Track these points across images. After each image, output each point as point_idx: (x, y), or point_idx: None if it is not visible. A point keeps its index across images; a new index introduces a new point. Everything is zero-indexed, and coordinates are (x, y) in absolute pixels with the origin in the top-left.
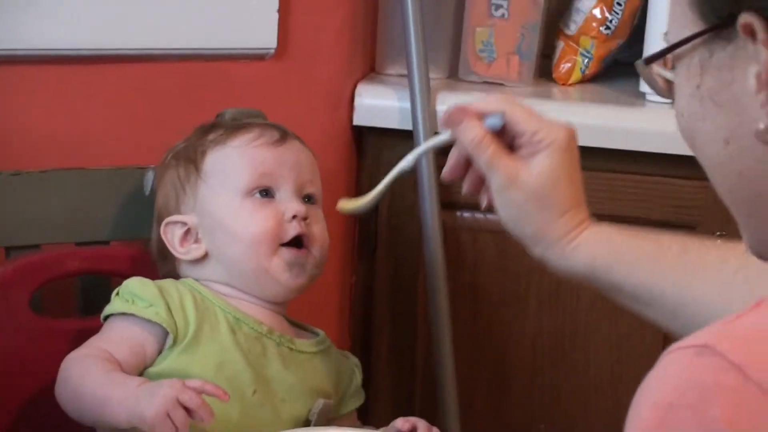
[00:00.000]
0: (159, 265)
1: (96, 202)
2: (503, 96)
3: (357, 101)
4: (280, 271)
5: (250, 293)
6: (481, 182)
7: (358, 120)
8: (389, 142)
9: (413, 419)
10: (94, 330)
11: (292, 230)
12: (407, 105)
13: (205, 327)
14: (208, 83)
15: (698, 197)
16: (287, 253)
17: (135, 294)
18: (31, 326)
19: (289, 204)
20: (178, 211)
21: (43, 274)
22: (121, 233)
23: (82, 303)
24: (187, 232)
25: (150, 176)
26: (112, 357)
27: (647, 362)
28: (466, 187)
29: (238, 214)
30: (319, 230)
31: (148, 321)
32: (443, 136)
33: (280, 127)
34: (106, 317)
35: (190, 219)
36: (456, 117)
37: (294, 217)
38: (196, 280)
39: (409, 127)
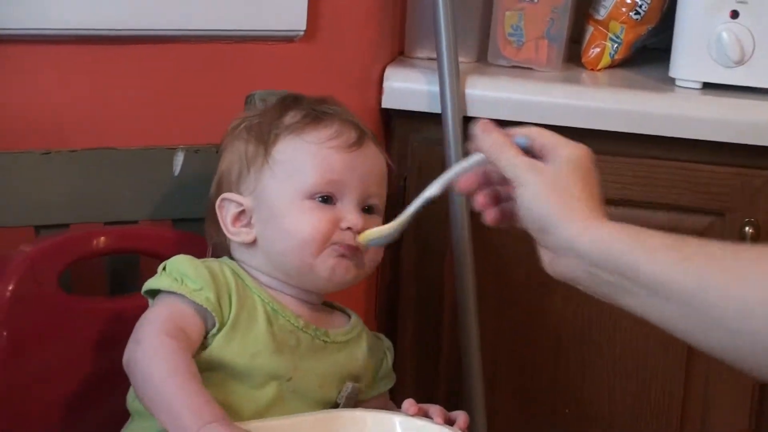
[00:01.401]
0: (209, 231)
1: (125, 182)
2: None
3: (386, 84)
4: (325, 268)
5: (291, 284)
6: (496, 196)
7: (387, 103)
8: (417, 125)
9: (426, 405)
10: (123, 309)
11: (346, 240)
12: (436, 88)
13: (243, 315)
14: (237, 65)
15: (727, 183)
16: (335, 253)
17: (185, 274)
18: (60, 305)
19: (348, 215)
20: (237, 188)
21: (71, 253)
22: (149, 213)
23: (111, 282)
24: (242, 213)
25: (179, 156)
26: (188, 341)
27: (672, 346)
28: (480, 199)
29: (295, 213)
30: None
31: (198, 305)
32: (474, 158)
33: (359, 126)
34: (149, 291)
35: (246, 201)
36: (483, 127)
37: (349, 228)
38: (240, 262)
39: (437, 110)
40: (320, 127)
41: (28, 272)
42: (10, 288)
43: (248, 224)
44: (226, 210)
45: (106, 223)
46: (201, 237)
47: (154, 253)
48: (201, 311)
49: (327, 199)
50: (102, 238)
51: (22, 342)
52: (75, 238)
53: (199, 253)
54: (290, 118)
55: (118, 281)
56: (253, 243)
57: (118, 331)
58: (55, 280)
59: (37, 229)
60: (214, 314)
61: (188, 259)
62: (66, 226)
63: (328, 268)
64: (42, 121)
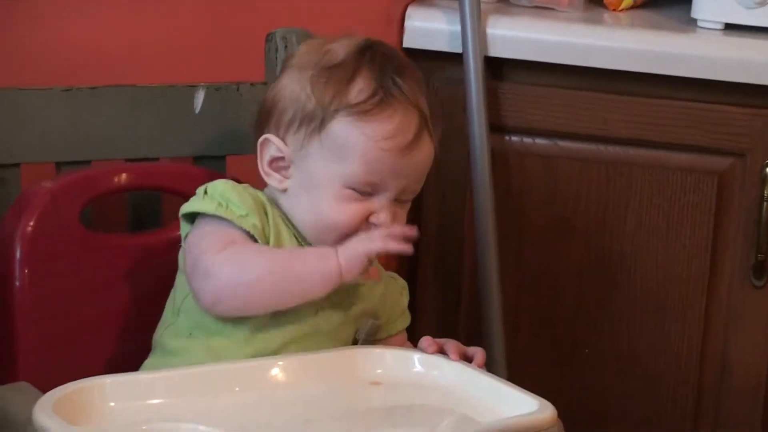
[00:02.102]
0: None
1: (146, 119)
2: None
3: (407, 23)
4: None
5: None
6: None
7: (408, 42)
8: (439, 65)
9: (442, 340)
10: (143, 245)
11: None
12: (457, 28)
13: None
14: (258, 2)
15: (748, 125)
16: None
17: (229, 199)
18: (81, 241)
19: (380, 212)
20: (285, 134)
21: (93, 189)
22: (170, 150)
23: (132, 218)
24: (281, 159)
25: (200, 94)
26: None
27: (693, 286)
28: None
29: (331, 197)
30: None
31: (245, 231)
32: None
33: (422, 112)
34: (188, 214)
35: (288, 153)
36: None
37: (376, 224)
38: (271, 196)
39: (459, 50)
40: (382, 117)
41: (49, 208)
42: (32, 224)
43: (284, 175)
44: (267, 150)
45: (127, 160)
46: (221, 174)
47: (174, 190)
48: (247, 236)
49: (365, 192)
50: (123, 175)
51: (42, 277)
52: (96, 175)
53: None
54: (357, 92)
55: (139, 218)
56: (284, 191)
57: (139, 267)
58: (76, 216)
59: (59, 165)
60: (259, 241)
61: (231, 184)
62: (87, 162)
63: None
64: (63, 58)
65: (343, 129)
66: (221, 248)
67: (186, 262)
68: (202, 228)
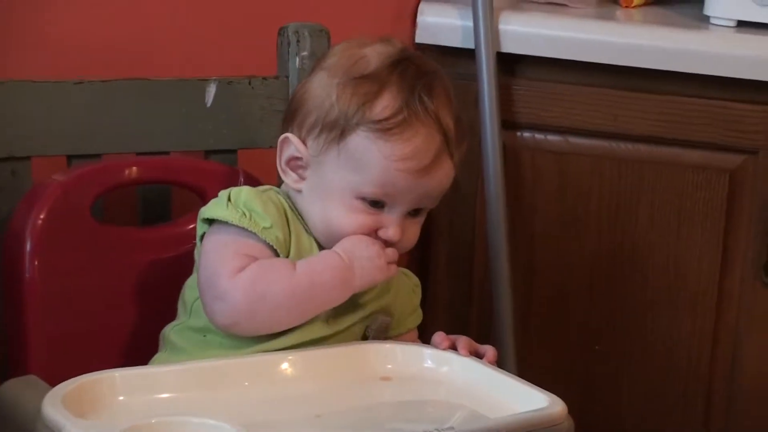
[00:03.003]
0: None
1: (157, 113)
2: None
3: (419, 19)
4: None
5: None
6: None
7: (420, 38)
8: (451, 61)
9: (454, 336)
10: (154, 239)
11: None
12: (470, 24)
13: (298, 256)
14: None
15: (760, 122)
16: None
17: (253, 209)
18: (91, 234)
19: (390, 226)
20: (306, 135)
21: (104, 182)
22: (182, 144)
23: (142, 212)
24: (299, 159)
25: (212, 88)
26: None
27: (704, 283)
28: None
29: (342, 207)
30: (407, 240)
31: (268, 244)
32: None
33: (445, 136)
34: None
35: (306, 156)
36: None
37: (385, 239)
38: (288, 195)
39: (471, 46)
40: (402, 138)
41: (60, 201)
42: (43, 216)
43: (301, 173)
44: (286, 149)
45: (138, 154)
46: (232, 168)
47: (185, 183)
48: (269, 249)
49: (377, 204)
50: (134, 168)
51: (53, 270)
52: (107, 168)
53: (231, 185)
54: (381, 109)
55: (150, 211)
56: (299, 192)
57: (149, 261)
58: (87, 209)
59: (70, 158)
60: (281, 253)
61: (255, 192)
62: (98, 156)
63: None
64: (75, 51)
65: (362, 144)
66: (239, 266)
67: (200, 269)
68: (222, 236)
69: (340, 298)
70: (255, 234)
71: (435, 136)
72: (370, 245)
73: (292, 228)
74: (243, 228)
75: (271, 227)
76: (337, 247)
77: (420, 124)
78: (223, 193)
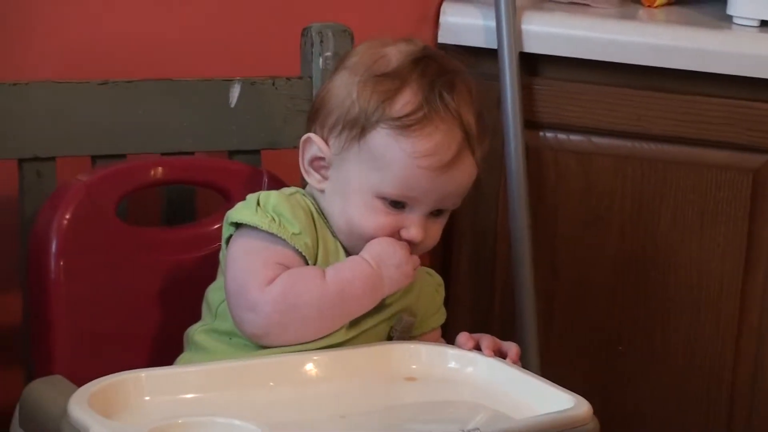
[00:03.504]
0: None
1: (181, 113)
2: None
3: (442, 19)
4: None
5: None
6: None
7: (443, 38)
8: (474, 61)
9: (477, 335)
10: (178, 239)
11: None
12: (492, 24)
13: (325, 261)
14: None
15: None
16: None
17: (282, 214)
18: (116, 234)
19: (411, 227)
20: (328, 135)
21: (129, 182)
22: (205, 144)
23: (167, 212)
24: (321, 159)
25: (236, 88)
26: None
27: (727, 284)
28: None
29: (362, 207)
30: (429, 240)
31: (297, 250)
32: None
33: (466, 133)
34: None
35: (329, 155)
36: None
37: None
38: (312, 195)
39: (494, 45)
40: (422, 134)
41: (85, 201)
42: (68, 217)
43: (324, 173)
44: (309, 149)
45: (162, 154)
46: (256, 168)
47: (209, 184)
48: (298, 258)
49: (398, 204)
50: (159, 169)
51: (78, 271)
52: (132, 168)
53: (255, 185)
54: (401, 106)
55: (174, 212)
56: (321, 192)
57: (174, 261)
58: (112, 209)
59: (94, 159)
60: (309, 260)
61: (284, 197)
62: (123, 156)
63: None
64: (100, 52)
65: (382, 141)
66: (269, 276)
67: (227, 274)
68: (252, 241)
69: (369, 306)
70: (284, 240)
71: (456, 133)
72: (398, 250)
73: (319, 232)
74: (272, 234)
75: (300, 233)
76: (366, 254)
77: (440, 121)
78: (251, 197)
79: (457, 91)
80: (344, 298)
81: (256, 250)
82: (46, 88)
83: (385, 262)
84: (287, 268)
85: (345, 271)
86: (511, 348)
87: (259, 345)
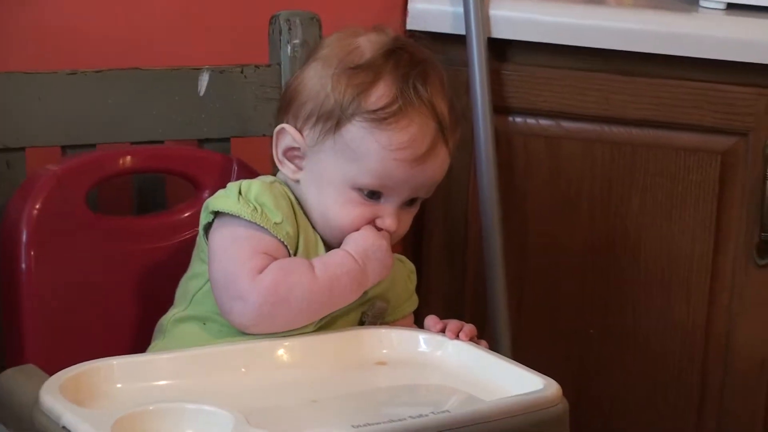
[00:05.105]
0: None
1: (151, 102)
2: None
3: (410, 6)
4: None
5: None
6: None
7: (412, 25)
8: (442, 47)
9: (445, 321)
10: (149, 228)
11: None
12: (460, 10)
13: (305, 252)
14: None
15: (751, 104)
16: None
17: (264, 203)
18: (86, 223)
19: (386, 217)
20: (303, 125)
21: (98, 172)
22: (175, 133)
23: (137, 201)
24: (296, 150)
25: (205, 77)
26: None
27: (697, 265)
28: None
29: (338, 198)
30: (401, 229)
31: (279, 240)
32: None
33: (440, 124)
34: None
35: (303, 146)
36: None
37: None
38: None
39: (462, 31)
40: (398, 127)
41: (55, 191)
42: (38, 207)
43: (298, 163)
44: (283, 139)
45: (132, 143)
46: (226, 156)
47: (180, 172)
48: (281, 245)
49: (373, 194)
50: (128, 158)
51: (48, 260)
52: (102, 158)
53: (224, 173)
54: (376, 98)
55: (144, 200)
56: (296, 182)
57: (144, 250)
58: (82, 199)
59: (64, 149)
60: (290, 249)
61: (267, 187)
62: (92, 146)
63: None
64: (68, 41)
65: (358, 134)
66: (259, 266)
67: (212, 264)
68: (235, 231)
69: (353, 300)
70: (266, 230)
71: (430, 124)
72: (382, 244)
73: (300, 222)
74: (254, 223)
75: (281, 222)
76: (351, 249)
77: (415, 113)
78: (232, 185)
79: (430, 82)
80: (333, 293)
81: (241, 239)
82: (15, 78)
83: (370, 257)
84: (273, 257)
85: (334, 267)
86: (468, 329)
87: (230, 327)
